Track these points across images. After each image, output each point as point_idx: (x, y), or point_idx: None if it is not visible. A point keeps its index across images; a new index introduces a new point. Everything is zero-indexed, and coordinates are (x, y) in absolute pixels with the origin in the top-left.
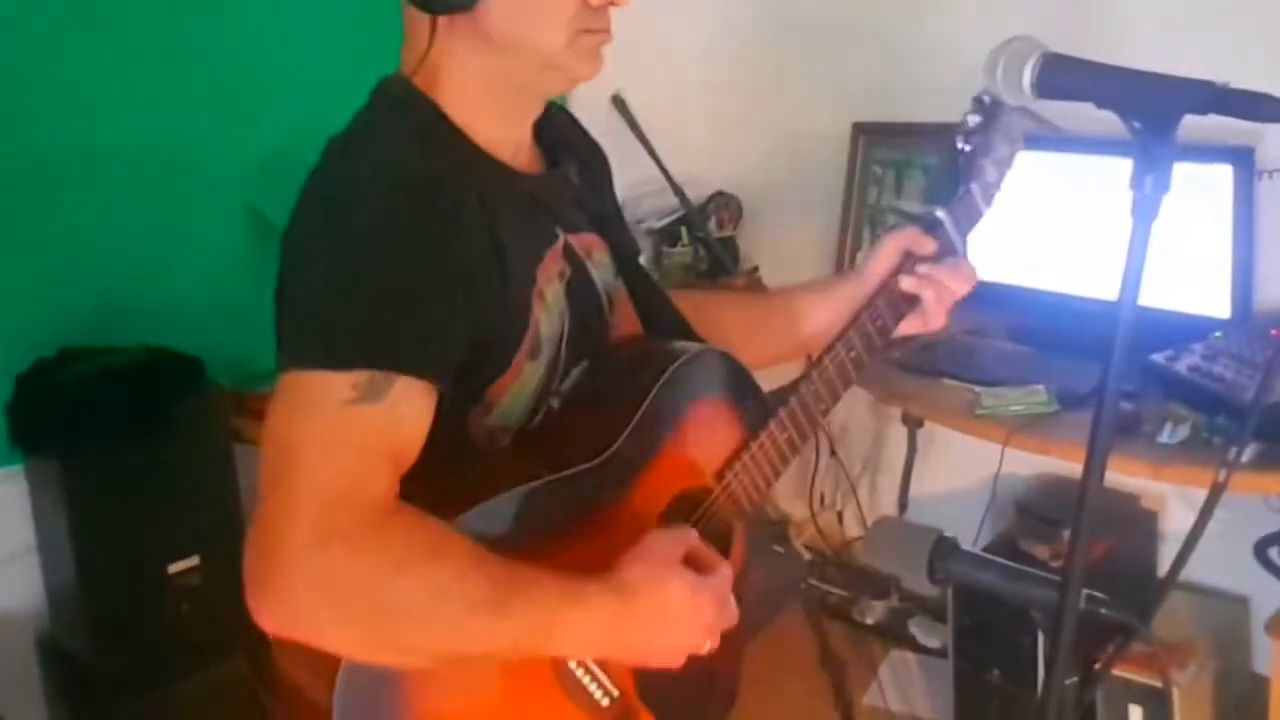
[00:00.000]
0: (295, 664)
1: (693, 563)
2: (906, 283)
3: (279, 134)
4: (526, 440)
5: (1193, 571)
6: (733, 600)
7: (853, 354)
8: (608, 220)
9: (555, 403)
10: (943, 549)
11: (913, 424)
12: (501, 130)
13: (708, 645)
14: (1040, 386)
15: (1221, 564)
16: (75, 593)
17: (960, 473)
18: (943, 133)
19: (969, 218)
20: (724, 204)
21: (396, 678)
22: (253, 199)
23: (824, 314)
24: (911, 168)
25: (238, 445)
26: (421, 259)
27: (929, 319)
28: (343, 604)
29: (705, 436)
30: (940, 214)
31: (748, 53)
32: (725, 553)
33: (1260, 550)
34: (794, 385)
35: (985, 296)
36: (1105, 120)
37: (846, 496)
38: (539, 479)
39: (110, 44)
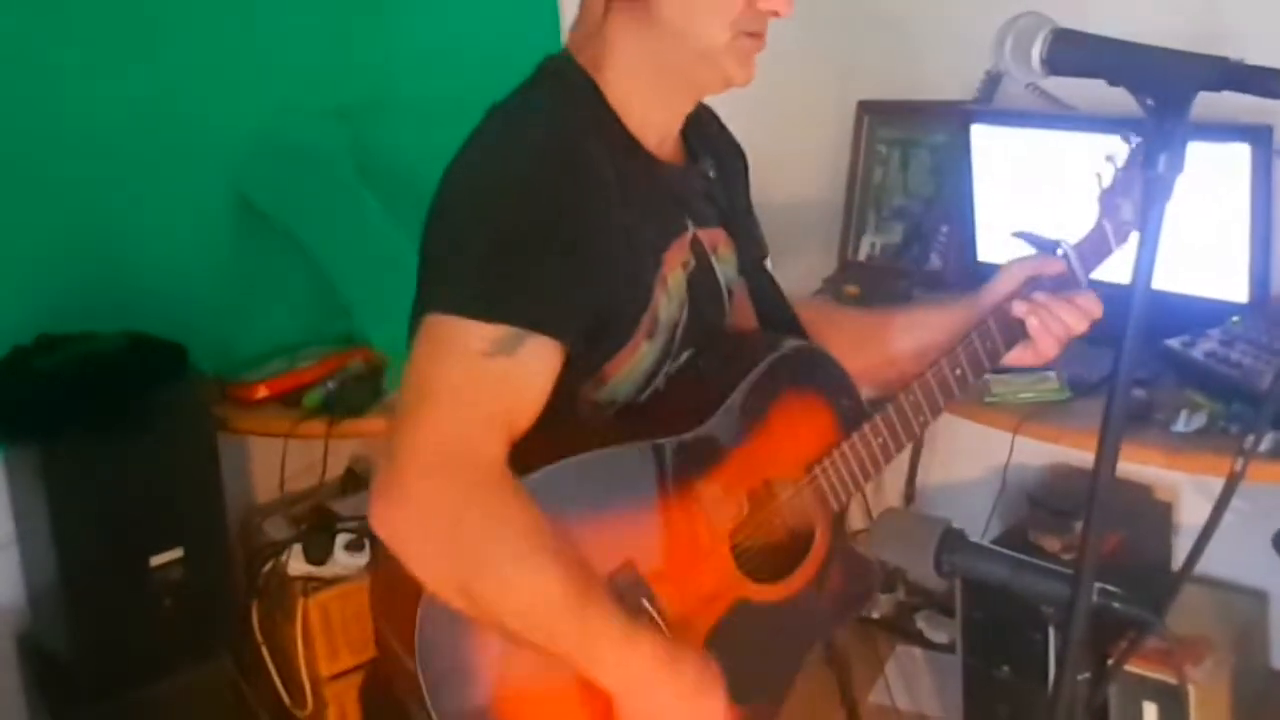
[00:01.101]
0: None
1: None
2: (1018, 308)
3: (266, 114)
4: (625, 412)
5: (1209, 564)
6: None
7: (957, 371)
8: (738, 218)
9: (661, 383)
10: (951, 541)
11: None
12: (653, 116)
13: None
14: (1051, 373)
15: (1238, 557)
16: (55, 586)
17: (969, 462)
18: (951, 110)
19: (1097, 255)
20: None
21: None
22: (238, 181)
23: (932, 331)
24: (918, 148)
25: (221, 434)
26: (564, 225)
27: (1039, 350)
28: (435, 538)
29: (799, 429)
30: (1066, 248)
31: None
32: (806, 548)
33: (1279, 542)
34: (894, 394)
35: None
36: (1117, 97)
37: None
38: (628, 443)
39: (88, 17)
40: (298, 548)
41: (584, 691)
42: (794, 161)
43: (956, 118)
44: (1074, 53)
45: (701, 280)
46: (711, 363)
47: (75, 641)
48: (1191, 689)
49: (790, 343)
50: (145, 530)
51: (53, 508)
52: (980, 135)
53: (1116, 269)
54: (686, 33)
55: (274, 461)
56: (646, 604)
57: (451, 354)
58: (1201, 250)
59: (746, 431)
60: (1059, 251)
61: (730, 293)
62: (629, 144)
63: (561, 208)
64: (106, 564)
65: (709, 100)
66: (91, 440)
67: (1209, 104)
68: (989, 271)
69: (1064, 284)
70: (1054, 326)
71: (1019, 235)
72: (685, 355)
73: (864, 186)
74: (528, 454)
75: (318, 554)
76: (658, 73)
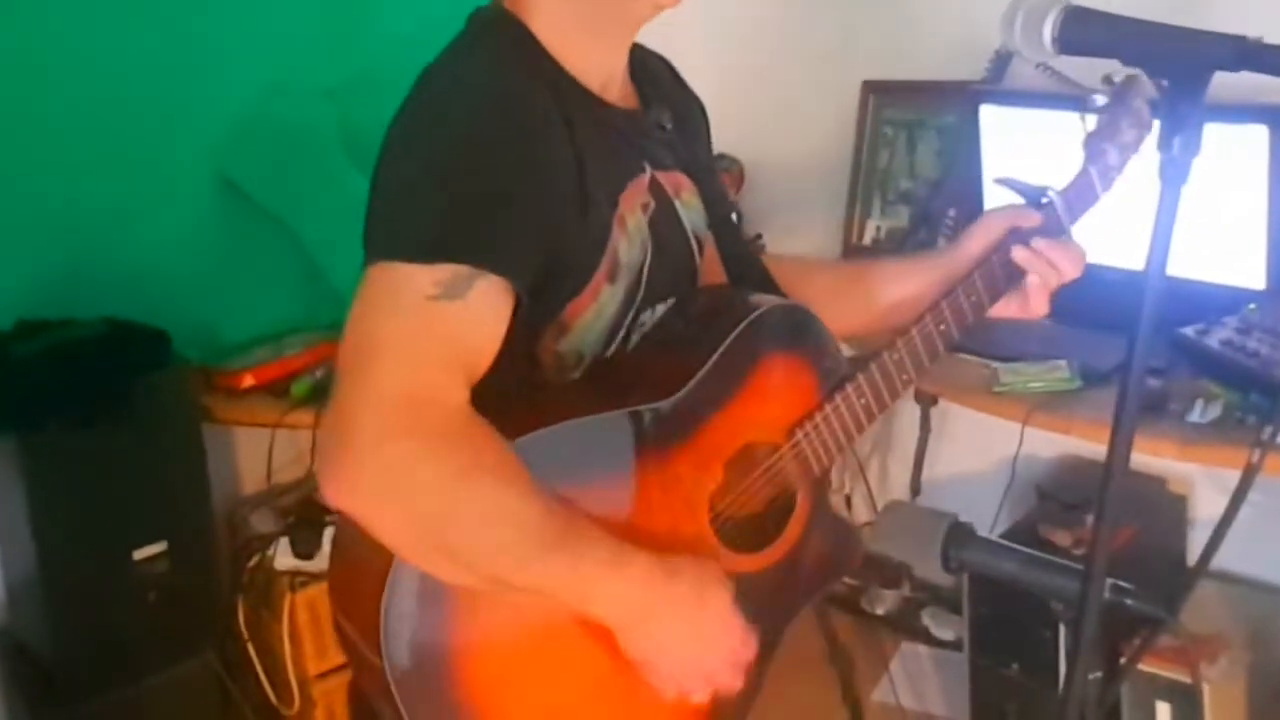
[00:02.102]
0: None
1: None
2: (1019, 254)
3: (251, 93)
4: (597, 373)
5: (1224, 559)
6: (743, 672)
7: (942, 327)
8: (702, 170)
9: (635, 337)
10: (958, 535)
11: (926, 402)
12: (593, 59)
13: (700, 692)
14: (1062, 362)
15: (1255, 551)
16: (35, 581)
17: (976, 454)
18: (959, 91)
19: (1083, 201)
20: (726, 166)
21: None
22: (223, 163)
23: (911, 285)
24: (925, 129)
25: (206, 424)
26: (508, 165)
27: (1030, 302)
28: (405, 499)
29: (779, 391)
30: (1052, 195)
31: (750, 7)
32: (788, 514)
33: None
34: (877, 352)
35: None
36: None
37: (855, 479)
38: (602, 411)
39: None
40: (285, 541)
41: (565, 675)
42: (797, 143)
43: (965, 98)
44: (1086, 32)
45: (665, 223)
46: (686, 322)
47: (55, 638)
48: (1206, 688)
49: (771, 301)
50: (128, 523)
51: (32, 500)
52: (989, 116)
53: (1130, 254)
54: None
55: (260, 452)
56: None
57: (398, 301)
58: (1217, 235)
59: (726, 396)
60: (1044, 199)
61: (699, 241)
62: (572, 86)
63: (504, 149)
64: (88, 558)
65: (705, 75)
66: (72, 430)
67: (1225, 84)
68: None
69: (1049, 233)
70: (1050, 277)
71: (1001, 182)
72: (659, 309)
73: (869, 169)
74: (495, 417)
75: (305, 547)
76: (588, 12)
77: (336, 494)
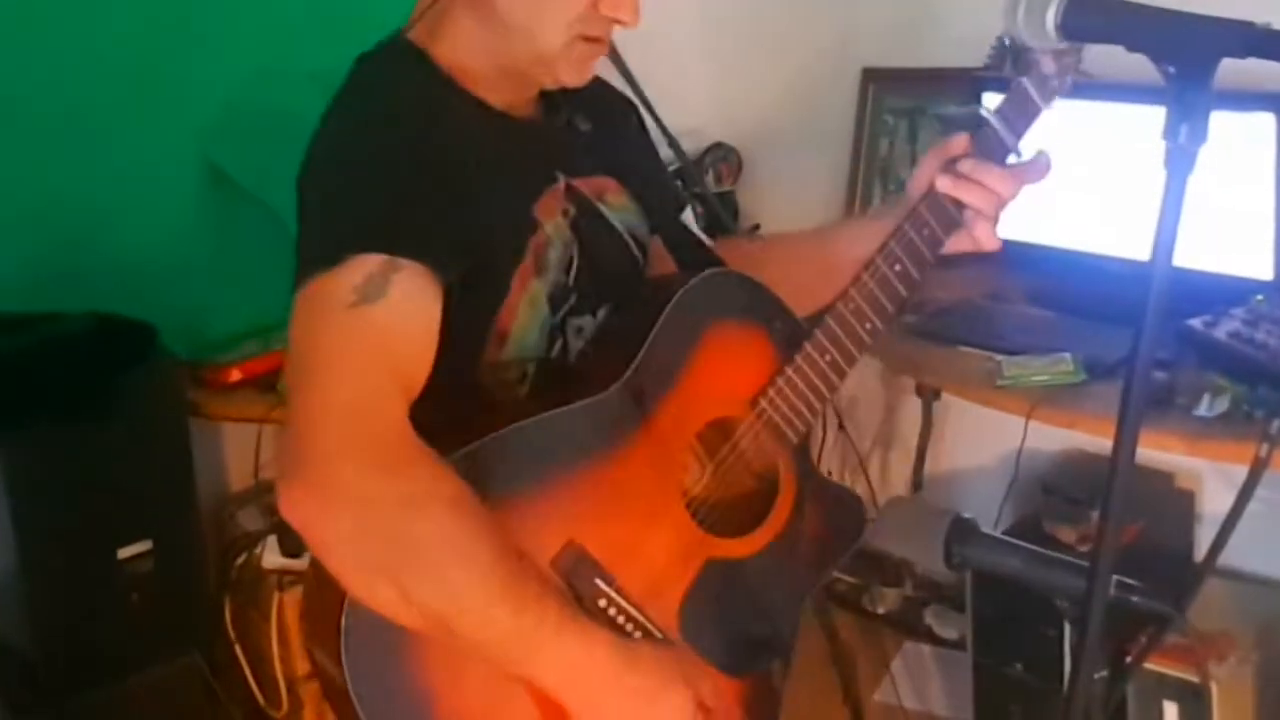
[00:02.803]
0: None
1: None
2: (943, 182)
3: (239, 78)
4: (541, 383)
5: (1232, 556)
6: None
7: (897, 267)
8: (632, 169)
9: (576, 344)
10: (960, 532)
11: (928, 396)
12: (493, 96)
13: None
14: (1066, 355)
15: (1264, 548)
16: (17, 579)
17: (979, 449)
18: (960, 78)
19: (1022, 113)
20: (722, 156)
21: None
22: (210, 150)
23: (874, 239)
24: (926, 117)
25: (193, 420)
26: (407, 170)
27: (975, 231)
28: (354, 514)
29: (732, 362)
30: (985, 111)
31: None
32: (773, 490)
33: None
34: (831, 305)
35: (1007, 257)
36: (1137, 65)
37: (855, 474)
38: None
39: None
40: (273, 539)
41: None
42: (795, 132)
43: (967, 86)
44: (1090, 18)
45: (590, 225)
46: (624, 318)
47: (38, 638)
48: (1214, 687)
49: (701, 273)
50: (112, 521)
51: (14, 497)
52: (993, 104)
53: (1135, 245)
54: (521, 32)
55: (248, 448)
56: (602, 584)
57: (320, 317)
58: (1224, 225)
59: (673, 376)
60: (981, 112)
61: (637, 241)
62: (474, 103)
63: (402, 156)
64: (71, 556)
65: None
66: (55, 426)
67: (1232, 71)
68: (1003, 250)
69: (987, 155)
70: (983, 200)
71: (937, 115)
72: (601, 313)
73: (869, 158)
74: (442, 442)
75: (294, 546)
76: (493, 64)
77: (289, 507)
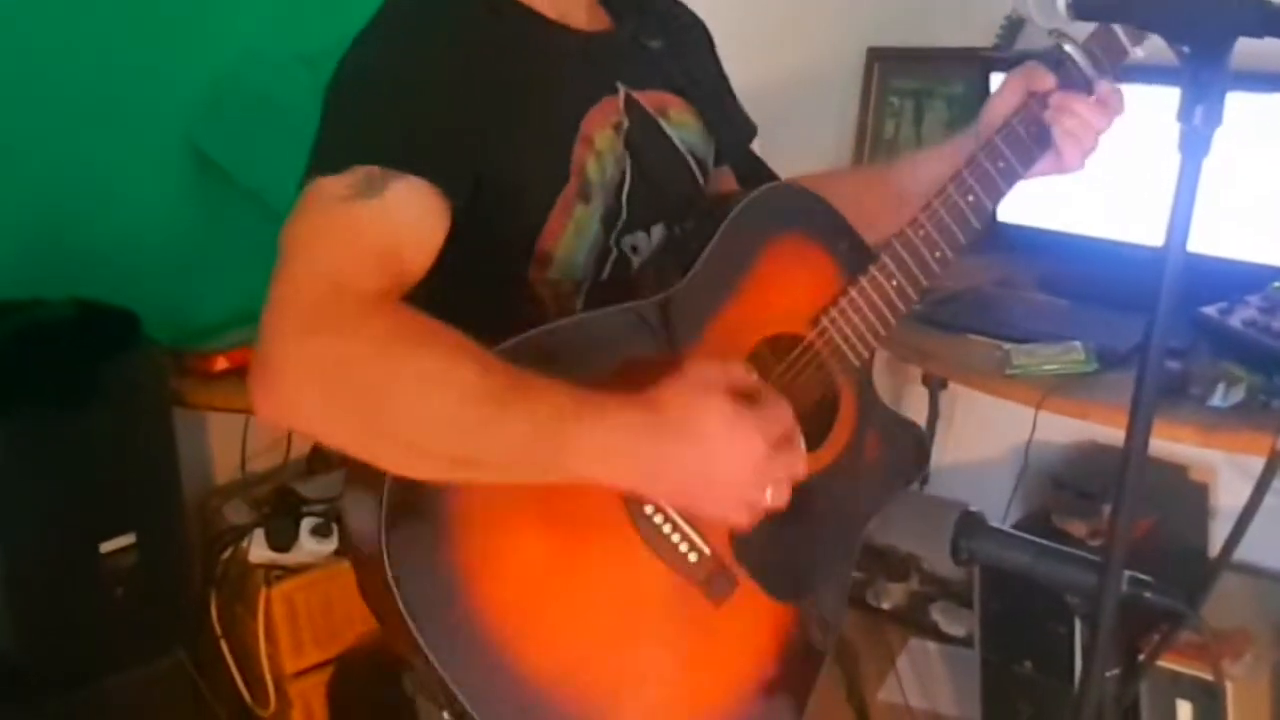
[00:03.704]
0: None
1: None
2: (1047, 115)
3: (224, 61)
4: (598, 295)
5: (1248, 550)
6: (796, 443)
7: (970, 197)
8: (702, 91)
9: (634, 261)
10: (968, 526)
11: (934, 385)
12: (546, 5)
13: (769, 495)
14: (1077, 343)
15: None
16: None
17: (988, 440)
18: (969, 58)
19: (1110, 52)
20: None
21: (442, 513)
22: (195, 134)
23: (943, 167)
24: (933, 98)
25: (177, 409)
26: (437, 85)
27: (1064, 157)
28: (331, 390)
29: (794, 278)
30: (1069, 48)
31: None
32: (833, 413)
33: None
34: (901, 230)
35: (1016, 242)
36: (1150, 44)
37: None
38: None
39: None
40: (260, 533)
41: (597, 591)
42: (798, 113)
43: (974, 66)
44: None
45: (646, 140)
46: (683, 230)
47: (19, 634)
48: (1229, 686)
49: (767, 185)
50: (94, 514)
51: None
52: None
53: (1149, 230)
54: None
55: (234, 439)
56: (648, 506)
57: (312, 208)
58: (1240, 210)
59: (732, 286)
60: (1065, 48)
61: (698, 160)
62: (524, 11)
63: (425, 69)
64: (53, 550)
65: None
66: (36, 416)
67: (1249, 51)
68: (1012, 233)
69: (1072, 88)
70: (1080, 131)
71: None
72: (655, 231)
73: (874, 140)
74: (487, 338)
75: (281, 540)
76: None
77: (262, 402)
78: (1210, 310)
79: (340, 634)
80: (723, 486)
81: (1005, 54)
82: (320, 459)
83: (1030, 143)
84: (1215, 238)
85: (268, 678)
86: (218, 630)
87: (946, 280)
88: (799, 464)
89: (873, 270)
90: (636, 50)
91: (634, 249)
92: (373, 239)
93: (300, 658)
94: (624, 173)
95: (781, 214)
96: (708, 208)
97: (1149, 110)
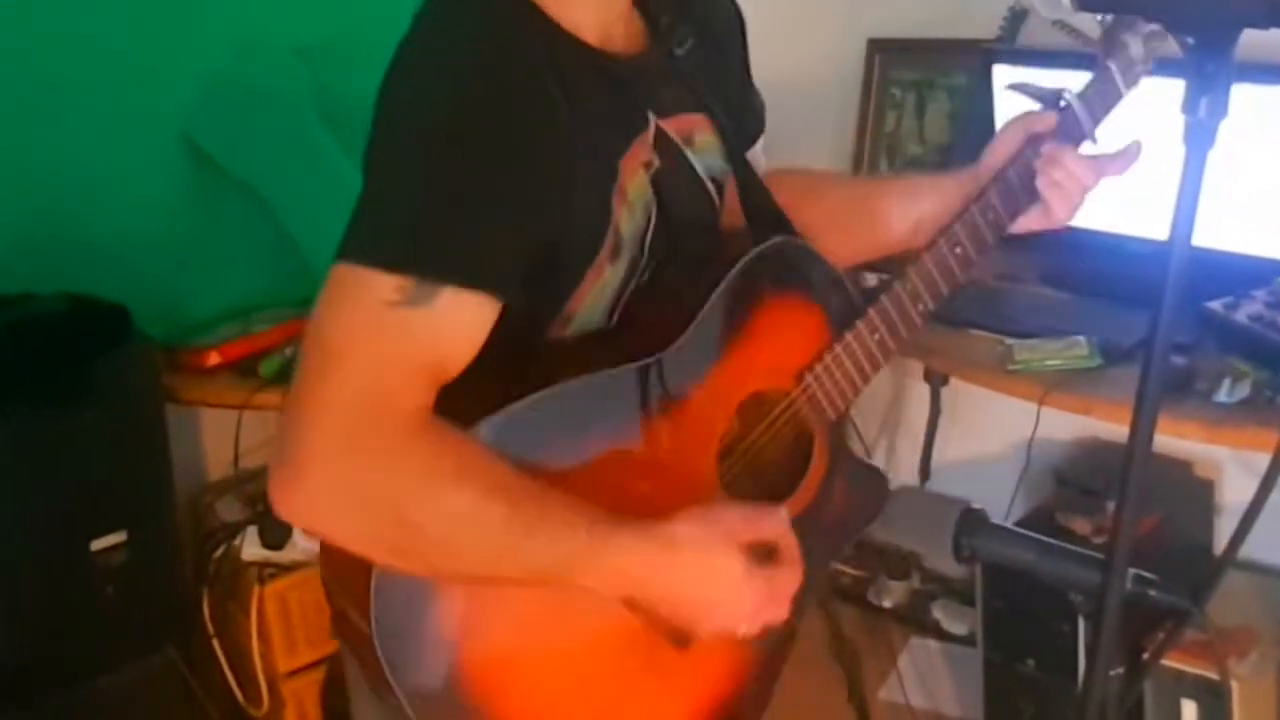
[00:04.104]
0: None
1: (761, 546)
2: (1042, 178)
3: (219, 53)
4: (588, 336)
5: (1254, 548)
6: (792, 595)
7: (958, 250)
8: (724, 99)
9: (631, 298)
10: (970, 523)
11: (936, 381)
12: (588, 10)
13: (743, 630)
14: (1081, 338)
15: None
16: None
17: (990, 436)
18: (971, 50)
19: (1104, 101)
20: None
21: (432, 588)
22: (189, 127)
23: (928, 203)
24: (935, 90)
25: (169, 406)
26: (488, 161)
27: (1052, 212)
28: (360, 514)
29: (784, 334)
30: (1069, 97)
31: None
32: (805, 461)
33: None
34: (888, 283)
35: (1019, 236)
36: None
37: None
38: (595, 370)
39: None
40: (253, 530)
41: (570, 643)
42: (797, 106)
43: (977, 57)
44: None
45: (671, 178)
46: (680, 272)
47: (7, 633)
48: (1235, 685)
49: (769, 241)
50: (85, 512)
51: None
52: (1003, 77)
53: (1153, 224)
54: None
55: (227, 435)
56: None
57: (356, 304)
58: (1246, 203)
59: (725, 344)
60: (1061, 102)
61: (716, 184)
62: (568, 45)
63: (492, 145)
64: (42, 548)
65: None
66: (26, 412)
67: (1254, 43)
68: None
69: (1067, 138)
70: (1067, 184)
71: (1014, 88)
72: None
73: (875, 133)
74: (474, 399)
75: (275, 537)
76: None
77: (283, 509)
78: (1216, 305)
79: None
80: (719, 621)
81: (1008, 46)
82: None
83: (1021, 195)
84: (1221, 231)
85: (260, 677)
86: (210, 629)
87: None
88: (782, 616)
89: (859, 325)
90: (668, 66)
91: (645, 287)
92: (420, 352)
93: (293, 657)
94: (649, 218)
95: (783, 272)
96: (700, 252)
97: (1153, 103)
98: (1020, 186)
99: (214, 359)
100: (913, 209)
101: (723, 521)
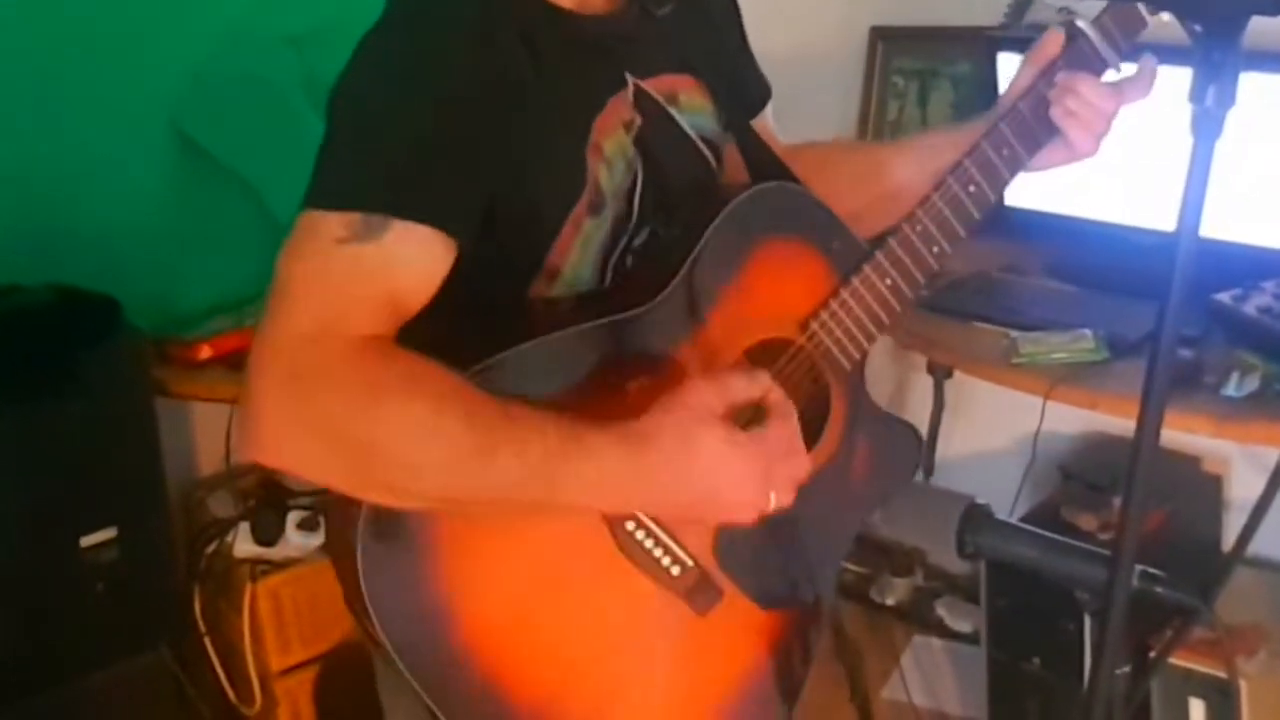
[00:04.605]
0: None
1: (744, 412)
2: (1055, 106)
3: (209, 41)
4: (583, 298)
5: (1263, 545)
6: (799, 451)
7: (971, 188)
8: (713, 61)
9: (629, 261)
10: (974, 519)
11: (939, 374)
12: None
13: (773, 500)
14: (1087, 331)
15: None
16: None
17: (994, 431)
18: (975, 37)
19: (1126, 25)
20: None
21: (421, 533)
22: (179, 116)
23: (948, 156)
24: (938, 78)
25: (160, 400)
26: (440, 109)
27: (1072, 142)
28: (319, 438)
29: (783, 281)
30: (1080, 22)
31: None
32: (822, 416)
33: None
34: (897, 224)
35: (1024, 227)
36: (1161, 23)
37: None
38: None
39: None
40: (245, 526)
41: (580, 611)
42: (798, 95)
43: (981, 45)
44: None
45: (658, 136)
46: (673, 230)
47: None
48: (1243, 684)
49: (755, 186)
50: (75, 508)
51: None
52: (1008, 65)
53: (1160, 215)
54: None
55: (219, 430)
56: (629, 521)
57: (307, 245)
58: (1255, 193)
59: (718, 292)
60: (1078, 24)
61: (710, 145)
62: (538, 8)
63: (445, 95)
64: (31, 545)
65: None
66: (14, 406)
67: (1262, 30)
68: (1018, 217)
69: (1088, 68)
70: (1084, 112)
71: (1036, 30)
72: (649, 227)
73: (877, 122)
74: (457, 355)
75: (267, 534)
76: None
77: (245, 445)
78: (1224, 297)
79: (327, 630)
80: (726, 505)
81: (1013, 33)
82: None
83: (1038, 129)
84: (1229, 222)
85: (253, 675)
86: (202, 627)
87: (953, 265)
88: (802, 469)
89: (866, 269)
90: (646, 27)
91: (635, 247)
92: (368, 286)
93: (286, 655)
94: (635, 175)
95: (770, 216)
96: (690, 208)
97: (1160, 91)
98: (1035, 119)
99: (205, 352)
100: (930, 164)
101: (690, 398)
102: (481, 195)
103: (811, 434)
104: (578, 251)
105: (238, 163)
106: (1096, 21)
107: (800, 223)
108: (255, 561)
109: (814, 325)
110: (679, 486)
